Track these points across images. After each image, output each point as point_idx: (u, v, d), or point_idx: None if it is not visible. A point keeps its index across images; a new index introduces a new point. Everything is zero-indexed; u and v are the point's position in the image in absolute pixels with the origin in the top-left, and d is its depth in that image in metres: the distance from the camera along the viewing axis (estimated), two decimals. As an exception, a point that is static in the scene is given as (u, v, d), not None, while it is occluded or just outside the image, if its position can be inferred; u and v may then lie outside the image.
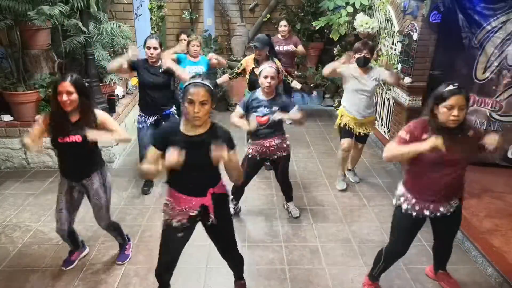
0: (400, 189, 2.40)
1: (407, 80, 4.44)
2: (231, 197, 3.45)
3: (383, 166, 4.69)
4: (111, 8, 5.42)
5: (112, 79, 4.79)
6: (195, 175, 2.08)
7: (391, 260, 2.53)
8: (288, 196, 3.62)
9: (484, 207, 3.36)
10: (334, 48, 6.27)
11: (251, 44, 4.40)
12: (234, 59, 7.02)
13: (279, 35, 5.69)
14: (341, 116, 3.93)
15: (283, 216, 3.60)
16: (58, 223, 2.66)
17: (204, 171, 2.11)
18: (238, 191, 3.47)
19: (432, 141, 2.03)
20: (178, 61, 4.29)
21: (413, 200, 2.31)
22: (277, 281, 2.78)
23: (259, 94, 3.18)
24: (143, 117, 3.73)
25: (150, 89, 3.60)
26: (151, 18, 6.10)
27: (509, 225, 3.08)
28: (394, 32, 4.96)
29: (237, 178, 2.25)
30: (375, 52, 4.52)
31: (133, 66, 3.57)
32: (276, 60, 4.01)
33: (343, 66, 3.76)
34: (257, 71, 3.50)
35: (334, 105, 6.60)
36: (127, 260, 2.94)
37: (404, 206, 2.34)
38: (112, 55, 5.26)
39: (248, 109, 3.17)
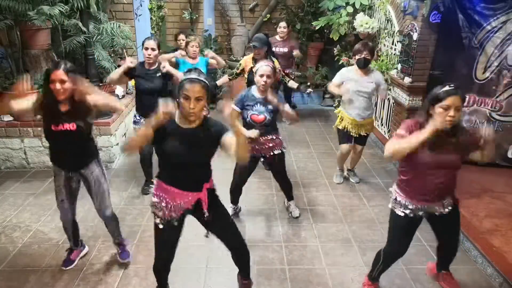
0: (394, 189, 2.42)
1: (407, 80, 4.43)
2: (229, 198, 3.47)
3: (383, 166, 4.70)
4: (111, 8, 5.42)
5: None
6: (190, 169, 2.10)
7: (389, 260, 2.53)
8: (289, 195, 3.61)
9: (484, 207, 3.36)
10: (334, 48, 6.26)
11: (250, 44, 4.40)
12: (234, 59, 7.02)
13: (277, 36, 5.69)
14: (341, 118, 3.95)
15: (283, 216, 3.60)
16: (62, 213, 2.70)
17: (198, 165, 2.13)
18: (236, 191, 3.46)
19: (431, 126, 2.05)
20: (176, 64, 4.28)
21: (407, 200, 2.32)
22: (277, 281, 2.78)
23: (254, 91, 3.15)
24: (139, 117, 3.74)
25: (146, 94, 3.59)
26: (151, 18, 6.10)
27: (509, 225, 3.08)
28: (394, 32, 4.96)
29: (243, 155, 2.06)
30: (375, 52, 4.53)
31: (130, 73, 3.58)
32: (274, 59, 4.00)
33: (342, 88, 3.75)
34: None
35: (334, 105, 6.60)
36: (130, 257, 2.93)
37: (398, 206, 2.35)
38: (112, 55, 5.27)
39: (244, 106, 3.16)
